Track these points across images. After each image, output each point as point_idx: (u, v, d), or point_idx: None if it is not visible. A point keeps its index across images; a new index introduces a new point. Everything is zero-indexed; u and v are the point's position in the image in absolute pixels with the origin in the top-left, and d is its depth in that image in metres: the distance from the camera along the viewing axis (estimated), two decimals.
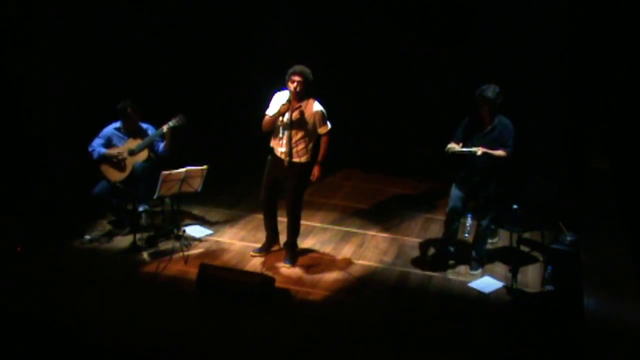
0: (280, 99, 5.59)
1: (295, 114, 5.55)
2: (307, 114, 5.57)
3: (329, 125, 5.70)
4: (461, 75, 7.42)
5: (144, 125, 6.31)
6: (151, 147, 6.23)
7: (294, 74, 5.47)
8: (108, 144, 6.21)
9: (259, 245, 6.13)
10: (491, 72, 7.03)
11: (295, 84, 5.47)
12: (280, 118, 5.56)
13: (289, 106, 5.50)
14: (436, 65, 7.96)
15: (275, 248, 6.14)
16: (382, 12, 8.07)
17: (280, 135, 5.62)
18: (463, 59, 7.67)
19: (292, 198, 5.84)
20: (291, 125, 5.56)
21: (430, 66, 8.00)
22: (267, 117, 5.62)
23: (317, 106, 5.62)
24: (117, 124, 6.24)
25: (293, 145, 5.61)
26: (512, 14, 7.42)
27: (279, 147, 5.65)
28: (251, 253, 5.99)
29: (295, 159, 5.65)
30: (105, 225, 6.51)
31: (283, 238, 6.10)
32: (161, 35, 8.36)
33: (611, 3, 6.62)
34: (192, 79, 8.57)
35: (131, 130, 6.24)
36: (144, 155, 6.21)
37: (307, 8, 8.32)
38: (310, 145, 5.70)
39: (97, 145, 6.15)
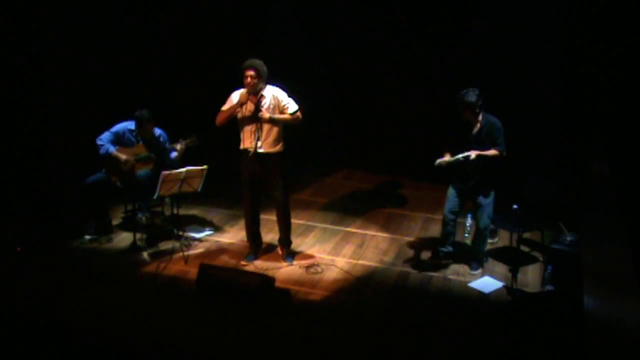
0: (237, 95, 5.57)
1: (255, 102, 5.51)
2: (268, 103, 5.54)
3: (294, 105, 5.63)
4: (461, 75, 7.42)
5: (157, 132, 6.32)
6: (161, 154, 6.24)
7: (246, 68, 5.44)
8: (118, 141, 6.21)
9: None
10: (491, 72, 7.06)
11: (248, 79, 5.44)
12: (241, 112, 5.52)
13: (247, 96, 5.47)
14: (437, 66, 7.95)
15: (261, 249, 6.12)
16: (382, 14, 8.07)
17: (250, 130, 5.57)
18: (464, 59, 7.67)
19: (280, 194, 5.82)
20: (258, 117, 5.52)
21: (431, 66, 7.99)
22: (222, 112, 5.58)
23: (272, 91, 5.58)
24: (132, 127, 6.23)
25: (265, 136, 5.57)
26: (512, 14, 7.41)
27: (251, 143, 5.58)
28: (242, 262, 5.95)
29: (269, 150, 5.61)
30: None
31: (272, 235, 6.07)
32: (161, 35, 8.38)
33: (611, 3, 6.62)
34: (192, 79, 8.58)
35: (144, 136, 6.25)
36: (150, 164, 6.22)
37: (308, 8, 8.32)
38: (280, 134, 5.65)
39: (106, 141, 6.15)
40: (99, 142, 6.13)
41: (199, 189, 5.95)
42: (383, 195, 7.89)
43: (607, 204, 4.83)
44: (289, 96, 5.66)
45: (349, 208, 7.41)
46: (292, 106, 5.63)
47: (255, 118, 5.53)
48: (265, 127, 5.56)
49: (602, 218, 4.68)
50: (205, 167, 5.88)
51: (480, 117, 5.52)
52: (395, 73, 8.20)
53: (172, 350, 4.65)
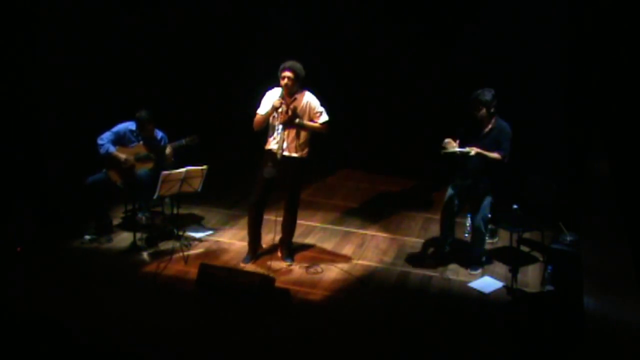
0: (272, 96, 5.57)
1: (290, 108, 5.50)
2: (299, 108, 5.54)
3: (325, 116, 5.62)
4: (462, 75, 7.43)
5: (159, 135, 6.33)
6: (161, 156, 6.26)
7: (284, 69, 5.44)
8: (119, 141, 6.21)
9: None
10: (491, 72, 7.06)
11: (285, 79, 5.44)
12: (274, 115, 5.52)
13: (282, 102, 5.47)
14: (436, 65, 7.96)
15: (260, 250, 6.10)
16: (382, 14, 8.08)
17: (276, 132, 5.56)
18: (464, 60, 7.67)
19: (291, 196, 5.83)
20: (287, 120, 5.50)
21: (431, 66, 8.00)
22: (258, 116, 5.58)
23: (307, 97, 5.58)
24: (133, 127, 6.24)
25: (290, 140, 5.57)
26: (512, 13, 7.42)
27: (277, 144, 5.57)
28: (241, 264, 5.93)
29: (293, 154, 5.61)
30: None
31: (272, 235, 6.09)
32: (161, 35, 8.38)
33: (611, 3, 6.61)
34: (192, 79, 8.59)
35: (145, 137, 6.26)
36: (150, 163, 6.23)
37: (308, 8, 8.33)
38: (307, 140, 5.65)
39: (107, 141, 6.15)
40: (99, 142, 6.13)
41: (199, 189, 5.95)
42: (383, 196, 7.88)
43: (607, 204, 4.83)
44: (322, 105, 5.64)
45: (349, 208, 7.41)
46: (323, 116, 5.61)
47: (284, 120, 5.51)
48: (294, 130, 5.55)
49: (602, 218, 4.68)
50: (205, 167, 5.88)
51: (493, 120, 5.53)
52: (396, 73, 8.21)
53: (172, 350, 4.65)
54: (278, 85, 5.53)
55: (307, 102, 5.56)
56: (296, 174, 5.72)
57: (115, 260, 5.97)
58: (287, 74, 5.43)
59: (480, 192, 5.68)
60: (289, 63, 5.45)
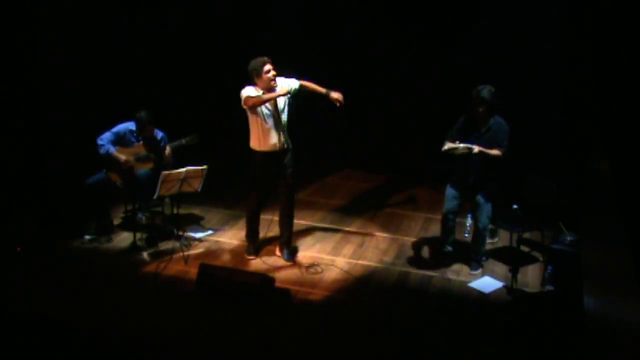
0: (252, 91, 5.53)
1: (284, 98, 5.58)
2: (285, 92, 5.56)
3: (295, 81, 5.67)
4: (461, 74, 7.42)
5: (159, 135, 6.33)
6: (160, 157, 6.27)
7: (266, 63, 5.48)
8: (119, 141, 6.22)
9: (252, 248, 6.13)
10: (491, 71, 7.06)
11: (272, 71, 5.48)
12: (262, 111, 5.52)
13: (288, 91, 5.50)
14: (436, 65, 7.95)
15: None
16: (383, 14, 8.07)
17: (273, 126, 5.57)
18: (464, 59, 7.67)
19: (290, 192, 5.86)
20: (284, 110, 5.60)
21: (431, 66, 7.99)
22: (258, 97, 5.46)
23: (281, 81, 5.59)
24: (133, 127, 6.24)
25: (285, 131, 5.62)
26: (512, 14, 7.42)
27: (278, 139, 5.59)
28: (246, 256, 6.00)
29: (290, 145, 5.69)
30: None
31: (271, 235, 6.12)
32: (162, 36, 8.38)
33: (611, 3, 6.61)
34: (192, 79, 8.58)
35: (145, 137, 6.27)
36: (150, 163, 6.23)
37: (308, 9, 8.32)
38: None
39: (107, 141, 6.14)
40: (99, 142, 6.13)
41: (199, 189, 5.95)
42: (383, 196, 7.88)
43: (607, 204, 4.83)
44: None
45: (349, 208, 7.41)
46: (294, 83, 5.66)
47: (279, 113, 5.57)
48: (286, 123, 5.62)
49: (602, 218, 4.67)
50: (205, 167, 5.88)
51: (490, 118, 5.52)
52: (396, 73, 8.20)
53: (172, 350, 4.65)
54: (250, 84, 5.54)
55: (286, 84, 5.61)
56: (292, 165, 5.76)
57: (115, 260, 5.97)
58: (271, 66, 5.49)
59: (482, 191, 5.67)
60: (265, 57, 5.51)
